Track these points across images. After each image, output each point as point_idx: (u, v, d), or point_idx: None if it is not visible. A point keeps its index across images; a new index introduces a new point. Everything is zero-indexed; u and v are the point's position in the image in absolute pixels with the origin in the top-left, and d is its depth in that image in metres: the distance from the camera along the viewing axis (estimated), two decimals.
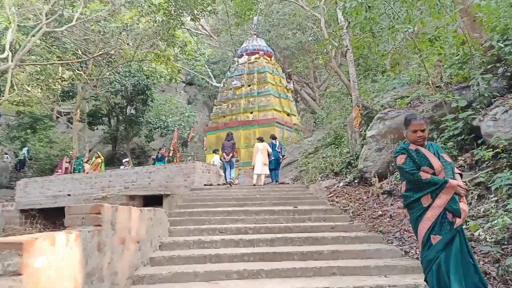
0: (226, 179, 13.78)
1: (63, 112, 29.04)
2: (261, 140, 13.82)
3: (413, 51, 10.67)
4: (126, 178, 14.68)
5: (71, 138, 28.17)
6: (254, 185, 13.55)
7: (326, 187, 10.97)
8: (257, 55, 21.10)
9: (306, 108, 30.10)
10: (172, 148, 19.70)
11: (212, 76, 32.86)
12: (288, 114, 20.63)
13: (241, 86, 20.35)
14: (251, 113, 19.78)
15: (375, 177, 9.19)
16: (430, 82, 9.05)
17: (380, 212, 7.20)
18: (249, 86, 20.46)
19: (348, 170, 11.19)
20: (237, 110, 20.05)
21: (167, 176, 13.88)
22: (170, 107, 29.23)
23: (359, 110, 11.61)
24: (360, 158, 10.19)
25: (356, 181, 10.31)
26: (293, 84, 22.37)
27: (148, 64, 20.47)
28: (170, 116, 27.61)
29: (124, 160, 17.58)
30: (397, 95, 10.99)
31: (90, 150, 29.95)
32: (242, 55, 21.59)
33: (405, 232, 5.94)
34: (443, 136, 8.10)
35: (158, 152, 16.83)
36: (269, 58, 21.53)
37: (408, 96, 10.32)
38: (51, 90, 21.14)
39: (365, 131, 10.97)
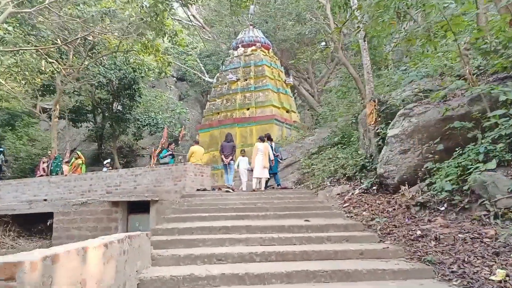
0: (225, 183, 12.33)
1: (47, 108, 27.23)
2: (261, 139, 12.33)
3: (430, 44, 9.19)
4: (109, 181, 13.08)
5: (58, 135, 26.47)
6: (254, 190, 12.08)
7: (338, 194, 9.50)
8: (253, 47, 19.54)
9: (304, 105, 28.63)
10: (161, 147, 18.07)
11: (204, 71, 31.32)
12: (287, 111, 19.12)
13: (236, 80, 18.79)
14: (248, 109, 18.24)
15: (404, 185, 7.73)
16: (467, 72, 7.60)
17: (419, 232, 5.73)
18: (245, 80, 18.90)
19: (363, 174, 9.73)
20: (232, 106, 18.49)
21: (155, 179, 12.33)
22: (161, 103, 27.61)
23: (375, 105, 10.15)
24: (379, 161, 8.73)
25: (374, 188, 8.85)
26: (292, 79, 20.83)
27: (135, 55, 18.80)
28: (160, 113, 26.00)
29: (105, 162, 15.91)
30: (419, 88, 9.55)
31: (73, 150, 28.25)
32: (237, 47, 20.00)
33: (465, 265, 4.48)
34: (487, 136, 6.68)
35: (168, 147, 14.84)
36: (266, 51, 19.98)
37: (439, 89, 8.90)
38: (30, 84, 19.35)
39: (382, 130, 9.53)
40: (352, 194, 8.98)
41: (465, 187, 6.03)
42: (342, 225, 6.85)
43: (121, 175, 12.96)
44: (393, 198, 7.95)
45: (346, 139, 13.47)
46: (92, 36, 15.11)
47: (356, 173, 9.90)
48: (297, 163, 15.51)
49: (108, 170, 14.56)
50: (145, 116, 23.70)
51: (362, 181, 9.54)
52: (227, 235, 6.53)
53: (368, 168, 9.75)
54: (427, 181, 7.37)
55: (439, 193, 6.56)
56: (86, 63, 17.43)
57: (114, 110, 22.98)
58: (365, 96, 13.09)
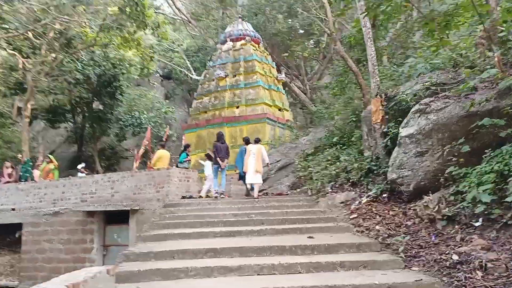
0: (217, 190, 11.07)
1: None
2: (255, 141, 11.18)
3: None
4: (84, 188, 11.73)
5: (32, 137, 24.87)
6: (246, 195, 10.92)
7: (342, 202, 8.34)
8: (243, 41, 18.29)
9: (296, 103, 27.50)
10: (143, 148, 16.74)
11: (191, 68, 30.02)
12: (280, 109, 17.95)
13: (225, 76, 17.53)
14: (237, 107, 17.01)
15: (421, 193, 6.60)
16: (496, 60, 6.50)
17: (456, 257, 4.58)
18: (234, 76, 17.66)
19: (369, 179, 8.58)
20: (220, 105, 17.23)
21: (134, 186, 11.03)
22: (145, 102, 26.20)
23: (381, 101, 9.01)
24: (391, 165, 7.59)
25: (384, 195, 7.72)
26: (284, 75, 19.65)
27: (115, 50, 17.39)
28: (145, 112, 24.59)
29: (79, 166, 14.49)
30: (431, 82, 8.45)
31: (52, 152, 26.63)
32: (225, 41, 18.73)
33: None
34: None
35: (186, 150, 12.94)
36: (256, 45, 18.76)
37: (454, 82, 7.81)
38: (1, 82, 17.79)
39: (391, 129, 8.40)
40: (360, 203, 7.82)
41: (509, 199, 4.90)
42: (354, 245, 5.68)
43: (96, 181, 11.62)
44: (410, 209, 6.82)
45: (345, 139, 12.33)
46: (60, 24, 13.62)
47: (362, 178, 8.75)
48: (292, 165, 14.36)
49: (85, 175, 13.19)
50: (128, 116, 22.29)
51: (369, 187, 8.38)
52: (216, 259, 5.31)
53: (375, 172, 8.61)
54: (451, 189, 6.26)
55: (471, 205, 5.44)
56: (60, 57, 15.95)
57: (94, 110, 21.51)
58: (366, 92, 11.99)
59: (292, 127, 17.82)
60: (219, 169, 10.81)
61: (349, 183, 8.92)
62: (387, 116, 8.88)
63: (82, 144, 24.04)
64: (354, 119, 12.31)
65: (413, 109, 7.51)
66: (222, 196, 10.52)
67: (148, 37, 34.90)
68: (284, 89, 21.85)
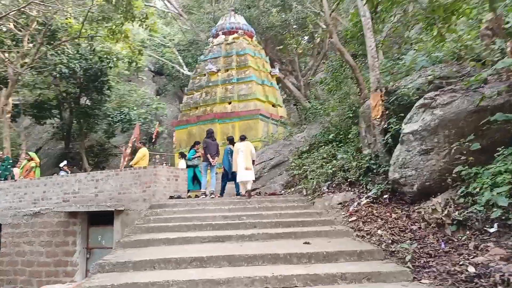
0: (207, 189, 10.55)
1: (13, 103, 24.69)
2: (241, 138, 10.63)
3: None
4: (66, 187, 11.06)
5: (18, 134, 24.05)
6: (238, 194, 10.39)
7: (340, 203, 7.81)
8: (235, 35, 17.66)
9: (289, 99, 26.95)
10: (130, 145, 16.08)
11: (183, 63, 29.37)
12: (273, 105, 17.37)
13: (216, 71, 16.90)
14: (230, 103, 16.40)
15: (427, 193, 6.09)
16: (509, 50, 5.98)
17: (472, 269, 4.06)
18: (226, 71, 17.04)
19: (368, 179, 8.05)
20: (212, 100, 16.60)
21: (119, 185, 10.39)
22: (135, 98, 25.49)
23: (381, 96, 8.48)
24: (393, 163, 7.07)
25: (385, 196, 7.20)
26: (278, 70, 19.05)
27: (102, 43, 16.65)
28: (135, 108, 23.88)
29: (61, 164, 13.77)
30: (433, 75, 7.95)
31: (39, 149, 25.83)
32: (217, 35, 18.09)
33: None
34: None
35: (194, 146, 11.50)
36: (250, 39, 18.14)
37: (458, 76, 7.32)
38: None
39: (392, 125, 7.88)
40: (359, 204, 7.29)
41: None
42: (355, 252, 5.14)
43: (79, 180, 10.96)
44: (414, 211, 6.30)
45: (342, 136, 11.81)
46: (44, 15, 12.89)
47: (360, 177, 8.22)
48: (285, 163, 13.82)
49: (67, 174, 12.52)
50: (116, 112, 21.56)
51: (368, 187, 7.87)
52: (202, 270, 4.75)
53: (375, 171, 8.09)
54: (460, 191, 5.74)
55: (485, 208, 4.92)
56: (44, 50, 15.19)
57: (82, 105, 20.77)
58: (363, 87, 11.47)
59: (286, 124, 17.29)
60: (209, 167, 10.25)
61: (347, 183, 8.39)
62: (387, 112, 8.36)
63: (69, 141, 23.25)
64: (350, 115, 11.79)
65: (417, 104, 6.99)
66: (212, 196, 9.96)
67: (138, 32, 34.35)
68: (277, 85, 21.30)
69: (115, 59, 16.53)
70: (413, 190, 6.60)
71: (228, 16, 18.47)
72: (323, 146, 12.23)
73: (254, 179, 10.91)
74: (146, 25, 14.46)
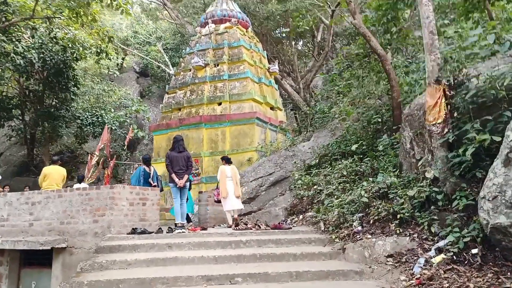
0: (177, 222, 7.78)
1: None
2: (227, 161, 8.79)
3: None
4: None
5: None
6: (230, 226, 7.66)
7: (390, 255, 4.96)
8: (228, 24, 14.85)
9: (286, 103, 24.20)
10: (97, 154, 13.11)
11: (169, 63, 26.74)
12: (272, 108, 14.55)
13: (204, 65, 14.03)
14: (219, 104, 13.52)
15: None
16: None
17: None
18: (216, 65, 14.18)
19: (432, 217, 5.21)
20: (198, 100, 13.70)
21: (63, 212, 7.43)
22: (114, 99, 22.55)
23: (444, 90, 5.71)
24: (484, 197, 4.26)
25: (474, 251, 4.37)
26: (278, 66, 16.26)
27: (64, 28, 13.66)
28: (112, 110, 20.90)
29: None
30: None
31: (0, 154, 22.52)
32: (206, 23, 15.23)
33: None
34: None
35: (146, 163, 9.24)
36: (244, 29, 15.35)
37: None
38: None
39: (470, 132, 5.10)
40: (427, 262, 4.45)
41: None
42: None
43: (10, 202, 7.94)
44: None
45: (365, 148, 9.04)
46: None
47: (418, 213, 5.40)
48: (288, 179, 10.99)
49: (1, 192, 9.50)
50: (88, 114, 18.54)
51: (433, 230, 5.04)
52: None
53: (440, 204, 5.27)
54: None
55: None
56: None
57: (46, 105, 17.70)
58: (396, 83, 8.71)
59: (286, 130, 14.48)
60: (178, 190, 7.62)
61: (396, 220, 5.54)
62: (455, 113, 5.59)
63: (33, 147, 20.11)
64: (378, 120, 9.04)
65: None
66: (182, 230, 7.14)
67: (121, 28, 31.47)
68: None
69: (81, 48, 13.59)
70: None
71: (219, 2, 15.66)
72: (340, 160, 9.46)
73: (242, 207, 8.86)
74: (117, 5, 11.55)
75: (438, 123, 5.72)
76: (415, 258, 4.63)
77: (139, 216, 7.59)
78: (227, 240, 6.21)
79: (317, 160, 10.46)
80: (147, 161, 8.80)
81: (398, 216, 5.46)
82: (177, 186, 7.74)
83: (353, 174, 8.31)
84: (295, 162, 11.12)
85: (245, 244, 6.06)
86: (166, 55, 27.94)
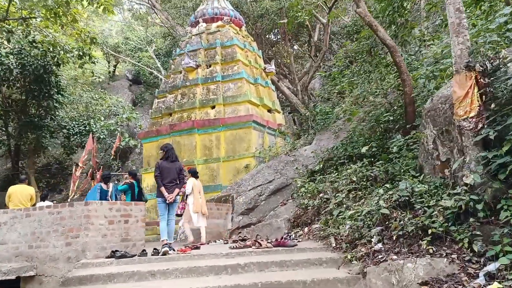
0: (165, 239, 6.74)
1: None
2: (193, 174, 8.09)
3: None
4: None
5: None
6: (227, 242, 6.70)
7: (425, 283, 3.96)
8: (220, 22, 13.94)
9: (284, 106, 23.29)
10: (82, 165, 12.10)
11: (162, 69, 25.96)
12: (269, 110, 13.61)
13: (196, 66, 13.07)
14: (213, 107, 12.56)
15: None
16: None
17: None
18: (208, 66, 13.23)
19: (473, 232, 4.24)
20: (190, 104, 12.73)
21: (31, 233, 6.43)
22: (104, 108, 21.59)
23: (477, 77, 4.77)
24: None
25: None
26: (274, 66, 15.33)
27: (42, 30, 12.68)
28: (102, 118, 19.89)
29: None
30: None
31: None
32: (197, 22, 14.30)
33: None
34: None
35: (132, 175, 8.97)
36: (238, 28, 14.44)
37: None
38: None
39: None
40: None
41: None
42: None
43: None
44: None
45: (375, 150, 8.08)
46: None
47: (452, 226, 4.42)
48: (290, 187, 10.03)
49: None
50: (75, 123, 17.53)
51: (475, 247, 4.06)
52: None
53: (482, 215, 4.29)
54: None
55: None
56: None
57: (29, 113, 16.68)
58: (408, 77, 7.76)
59: (285, 134, 13.52)
60: (167, 206, 6.63)
61: (424, 234, 4.56)
62: (492, 105, 4.64)
63: (18, 159, 19.04)
64: (390, 118, 8.09)
65: None
66: (169, 251, 6.11)
67: (111, 35, 30.64)
68: None
69: (61, 52, 12.60)
70: None
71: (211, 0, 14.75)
72: (347, 164, 8.49)
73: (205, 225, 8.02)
74: (98, 3, 10.59)
75: (470, 117, 4.78)
76: (460, 287, 3.64)
77: (120, 236, 6.57)
78: (222, 264, 5.19)
79: (321, 165, 9.49)
80: (105, 178, 8.30)
81: (429, 231, 4.47)
82: (166, 201, 6.72)
83: (364, 179, 7.33)
84: (296, 168, 10.21)
85: (244, 269, 5.06)
86: (158, 60, 27.20)
